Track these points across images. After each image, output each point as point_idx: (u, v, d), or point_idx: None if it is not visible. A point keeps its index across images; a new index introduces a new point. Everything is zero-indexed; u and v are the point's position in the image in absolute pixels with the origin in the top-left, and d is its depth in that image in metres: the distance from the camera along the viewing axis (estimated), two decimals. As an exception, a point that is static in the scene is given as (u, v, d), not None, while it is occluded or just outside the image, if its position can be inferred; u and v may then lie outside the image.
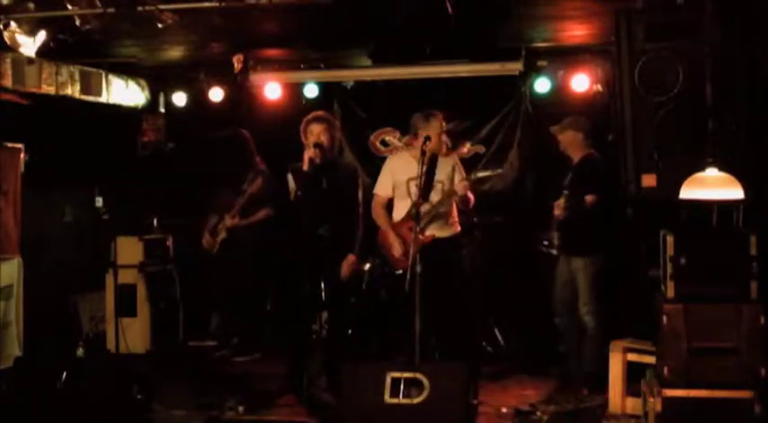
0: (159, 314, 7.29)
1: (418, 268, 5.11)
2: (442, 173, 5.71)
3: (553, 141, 6.10)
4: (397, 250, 5.73)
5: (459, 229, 5.85)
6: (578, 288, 5.79)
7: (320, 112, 5.93)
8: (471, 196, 5.76)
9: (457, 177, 5.73)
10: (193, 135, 7.93)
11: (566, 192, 5.76)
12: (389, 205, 5.93)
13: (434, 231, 5.66)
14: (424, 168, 5.55)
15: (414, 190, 5.62)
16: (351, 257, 5.68)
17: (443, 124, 5.75)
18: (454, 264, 5.76)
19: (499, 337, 6.79)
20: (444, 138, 5.79)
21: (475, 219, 6.61)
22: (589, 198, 5.73)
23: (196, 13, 5.43)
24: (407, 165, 5.71)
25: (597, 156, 5.96)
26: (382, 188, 5.92)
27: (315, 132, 5.65)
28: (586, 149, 5.94)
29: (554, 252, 6.07)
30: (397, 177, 5.79)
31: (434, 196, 5.68)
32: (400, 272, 5.25)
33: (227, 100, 8.07)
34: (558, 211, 5.76)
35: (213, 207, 7.31)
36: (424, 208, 5.59)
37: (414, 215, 5.43)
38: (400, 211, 5.82)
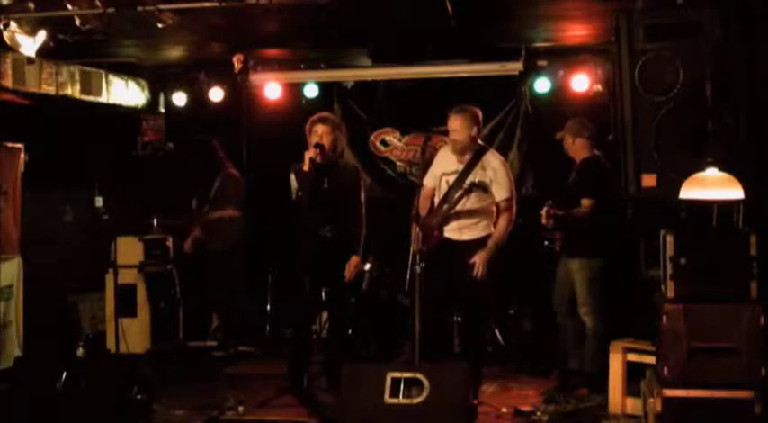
0: (159, 314, 7.28)
1: (418, 268, 5.11)
2: (474, 174, 5.56)
3: (554, 142, 6.11)
4: (415, 243, 5.65)
5: (489, 232, 5.65)
6: (576, 289, 5.80)
7: (326, 114, 5.95)
8: (513, 216, 5.63)
9: (494, 185, 5.57)
10: (193, 135, 7.91)
11: (549, 202, 5.74)
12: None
13: (450, 233, 5.63)
14: (460, 167, 5.56)
15: (444, 186, 5.62)
16: (354, 259, 5.68)
17: (466, 119, 5.61)
18: (465, 266, 5.55)
19: (499, 337, 6.79)
20: (468, 134, 5.62)
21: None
22: (585, 202, 5.73)
23: (196, 13, 5.44)
24: (445, 159, 5.69)
25: (599, 157, 5.96)
26: (427, 179, 5.85)
27: (318, 133, 5.66)
28: (588, 151, 5.94)
29: (556, 249, 6.06)
30: (436, 171, 5.75)
31: (460, 196, 5.56)
32: (421, 266, 5.19)
33: (227, 100, 8.09)
34: (543, 221, 5.76)
35: (191, 214, 7.36)
36: (445, 207, 5.58)
37: (414, 215, 5.43)
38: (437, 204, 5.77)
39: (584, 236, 5.75)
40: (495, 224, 5.67)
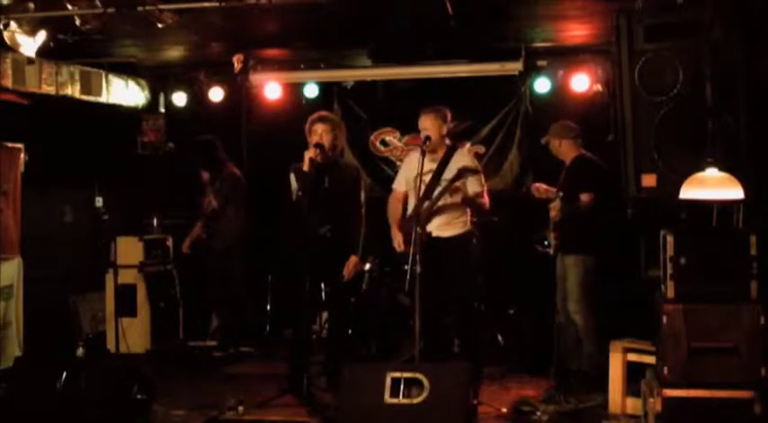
0: (159, 314, 7.30)
1: (418, 268, 5.11)
2: (450, 170, 5.64)
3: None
4: (398, 245, 5.73)
5: (467, 228, 5.76)
6: (568, 286, 5.81)
7: (325, 113, 5.94)
8: (486, 201, 5.75)
9: (469, 177, 5.65)
10: (193, 135, 7.92)
11: (560, 193, 5.78)
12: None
13: (434, 229, 5.65)
14: (434, 166, 5.63)
15: (421, 187, 5.65)
16: (353, 258, 5.68)
17: (436, 118, 5.70)
18: (453, 263, 5.67)
19: (499, 338, 6.79)
20: (438, 133, 5.70)
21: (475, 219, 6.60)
22: (584, 197, 5.74)
23: (196, 13, 5.43)
24: (417, 161, 5.71)
25: (588, 156, 5.99)
26: (398, 183, 5.97)
27: (318, 132, 5.66)
28: (576, 151, 5.97)
29: (550, 252, 6.06)
30: (408, 173, 5.81)
31: (440, 195, 5.64)
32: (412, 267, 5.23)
33: (227, 100, 8.09)
34: (553, 213, 5.78)
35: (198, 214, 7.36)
36: (426, 205, 5.60)
37: (414, 215, 5.44)
38: (411, 207, 5.81)
39: (580, 233, 5.76)
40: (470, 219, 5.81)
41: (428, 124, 5.68)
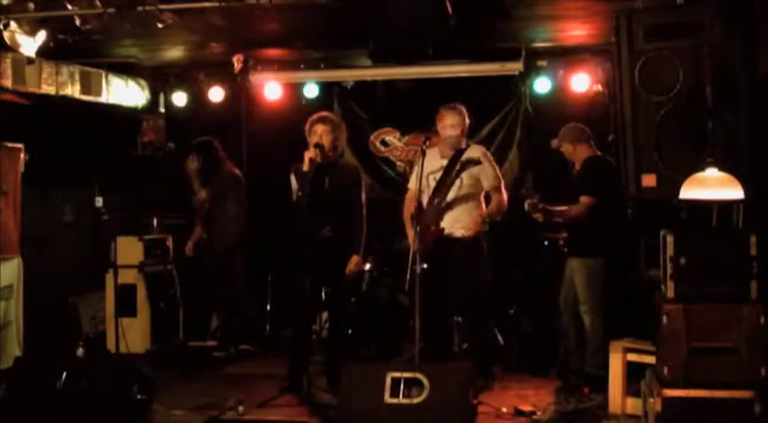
0: (159, 314, 7.30)
1: (418, 268, 5.11)
2: (461, 166, 5.60)
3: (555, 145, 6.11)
4: (414, 243, 5.70)
5: (477, 230, 5.68)
6: (576, 288, 5.81)
7: (325, 113, 5.94)
8: (504, 198, 5.76)
9: (483, 175, 5.67)
10: (193, 135, 7.92)
11: (536, 196, 5.76)
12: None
13: (447, 226, 5.65)
14: (445, 163, 5.63)
15: (432, 184, 5.65)
16: (355, 258, 5.68)
17: (461, 115, 5.73)
18: (461, 265, 5.64)
19: (499, 337, 6.79)
20: (462, 129, 5.73)
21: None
22: (584, 199, 5.74)
23: (196, 13, 5.44)
24: (432, 159, 5.71)
25: (600, 157, 5.97)
26: (411, 182, 5.94)
27: (318, 132, 5.66)
28: (589, 152, 5.96)
29: (566, 250, 6.06)
30: (422, 172, 5.80)
31: (452, 192, 5.65)
32: (425, 266, 5.21)
33: (227, 100, 8.10)
34: (534, 216, 5.79)
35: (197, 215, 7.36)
36: (436, 202, 5.59)
37: (415, 213, 5.44)
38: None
39: (586, 236, 5.76)
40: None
41: (456, 120, 5.70)
